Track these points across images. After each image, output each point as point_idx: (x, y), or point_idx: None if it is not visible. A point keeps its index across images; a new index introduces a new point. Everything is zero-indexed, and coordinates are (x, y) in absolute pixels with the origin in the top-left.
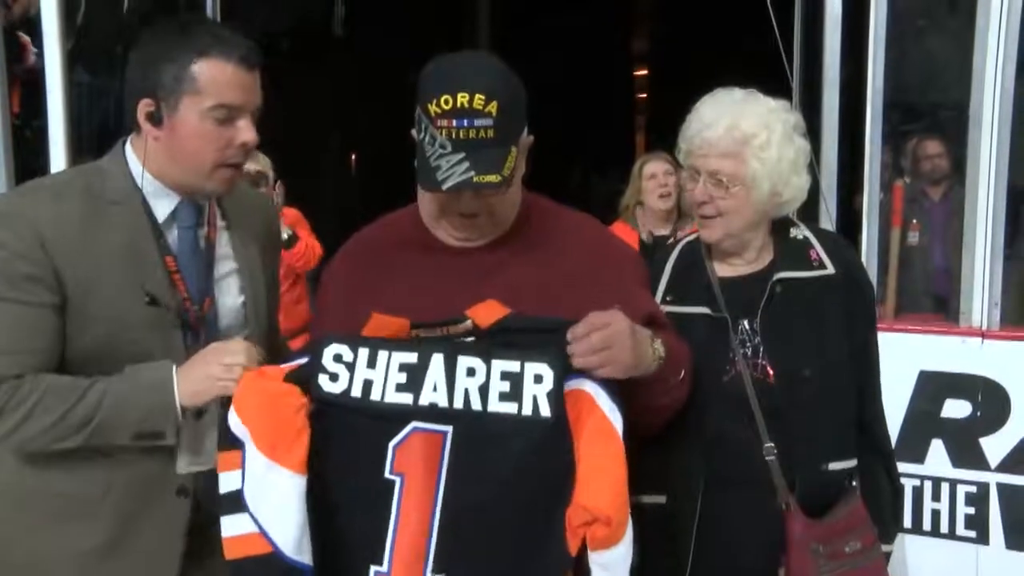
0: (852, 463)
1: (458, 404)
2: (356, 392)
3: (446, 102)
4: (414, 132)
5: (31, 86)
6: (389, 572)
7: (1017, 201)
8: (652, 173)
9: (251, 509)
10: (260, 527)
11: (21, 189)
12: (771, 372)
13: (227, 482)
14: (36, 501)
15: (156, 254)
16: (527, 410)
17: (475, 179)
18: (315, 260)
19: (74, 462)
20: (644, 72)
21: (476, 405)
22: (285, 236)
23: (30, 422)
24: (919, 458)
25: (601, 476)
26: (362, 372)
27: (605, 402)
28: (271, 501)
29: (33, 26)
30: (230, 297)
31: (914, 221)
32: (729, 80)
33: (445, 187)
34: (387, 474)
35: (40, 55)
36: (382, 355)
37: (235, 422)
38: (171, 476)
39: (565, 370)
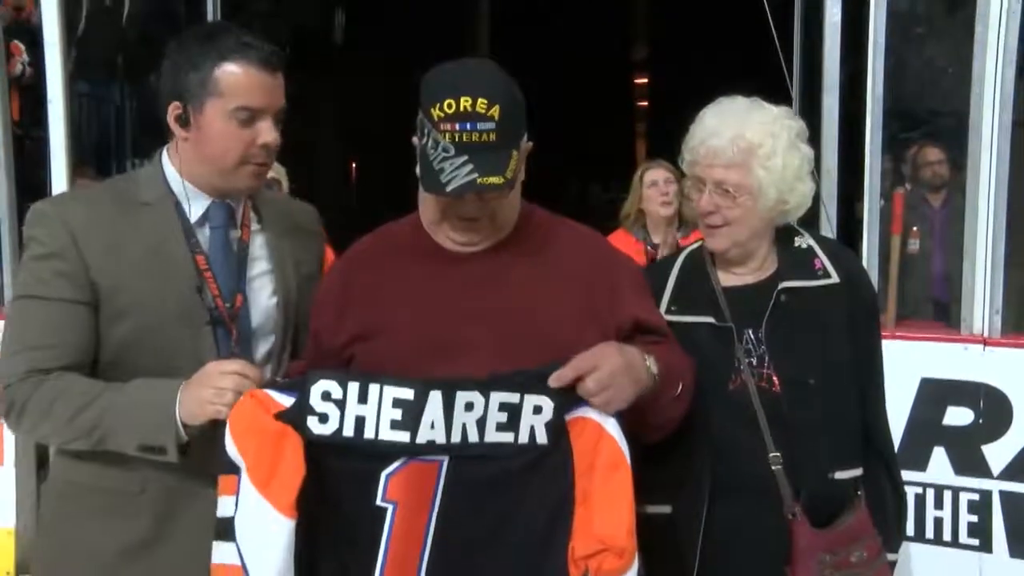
0: (858, 472)
1: (456, 439)
2: (348, 431)
3: (449, 106)
4: (415, 139)
5: (25, 94)
6: None
7: (1018, 208)
8: (653, 181)
9: (238, 541)
10: (243, 562)
11: (58, 195)
12: (776, 381)
13: (223, 507)
14: (81, 495)
15: (186, 252)
16: (524, 439)
17: (479, 181)
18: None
19: (112, 459)
20: (644, 80)
21: (473, 437)
22: None
23: (46, 422)
24: (921, 466)
25: (615, 506)
26: (353, 408)
27: (613, 428)
28: (257, 539)
29: (34, 35)
30: (263, 297)
31: (914, 228)
32: (729, 87)
33: (449, 189)
34: (378, 501)
35: (31, 64)
36: (373, 389)
37: (231, 449)
38: (206, 471)
39: (565, 402)
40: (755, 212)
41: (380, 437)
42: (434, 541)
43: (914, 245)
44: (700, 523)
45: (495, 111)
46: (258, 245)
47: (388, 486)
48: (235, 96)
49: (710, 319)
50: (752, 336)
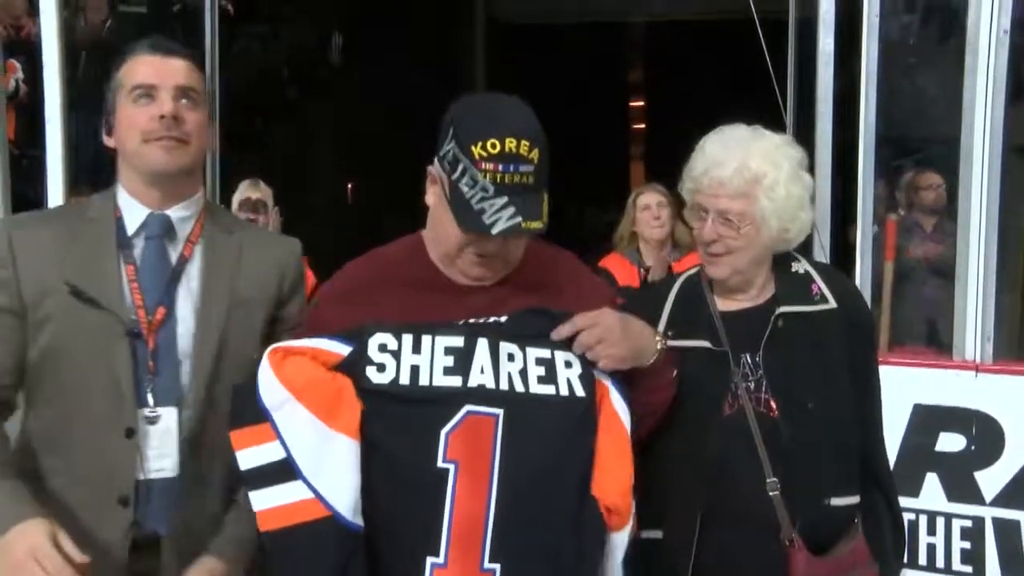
0: (855, 499)
1: (504, 386)
2: (404, 379)
3: (493, 146)
4: (440, 171)
5: (22, 113)
6: (446, 563)
7: (1008, 234)
8: (646, 204)
9: (306, 476)
10: (317, 493)
11: (19, 215)
12: (774, 406)
13: (256, 456)
14: (32, 482)
15: (116, 263)
16: (564, 391)
17: (524, 225)
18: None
19: (45, 447)
20: (640, 103)
21: (519, 387)
22: None
23: None
24: (914, 492)
25: (609, 470)
26: (408, 358)
27: (616, 397)
28: (330, 466)
29: (32, 54)
30: (189, 314)
31: (907, 254)
32: (723, 111)
33: (495, 231)
34: (440, 463)
35: (26, 81)
36: (426, 340)
37: (275, 393)
38: (115, 483)
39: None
40: (757, 241)
41: (434, 383)
42: (497, 497)
43: (906, 271)
44: (691, 549)
45: (535, 154)
46: (197, 263)
47: (448, 445)
48: (129, 80)
49: (706, 343)
50: (749, 361)
